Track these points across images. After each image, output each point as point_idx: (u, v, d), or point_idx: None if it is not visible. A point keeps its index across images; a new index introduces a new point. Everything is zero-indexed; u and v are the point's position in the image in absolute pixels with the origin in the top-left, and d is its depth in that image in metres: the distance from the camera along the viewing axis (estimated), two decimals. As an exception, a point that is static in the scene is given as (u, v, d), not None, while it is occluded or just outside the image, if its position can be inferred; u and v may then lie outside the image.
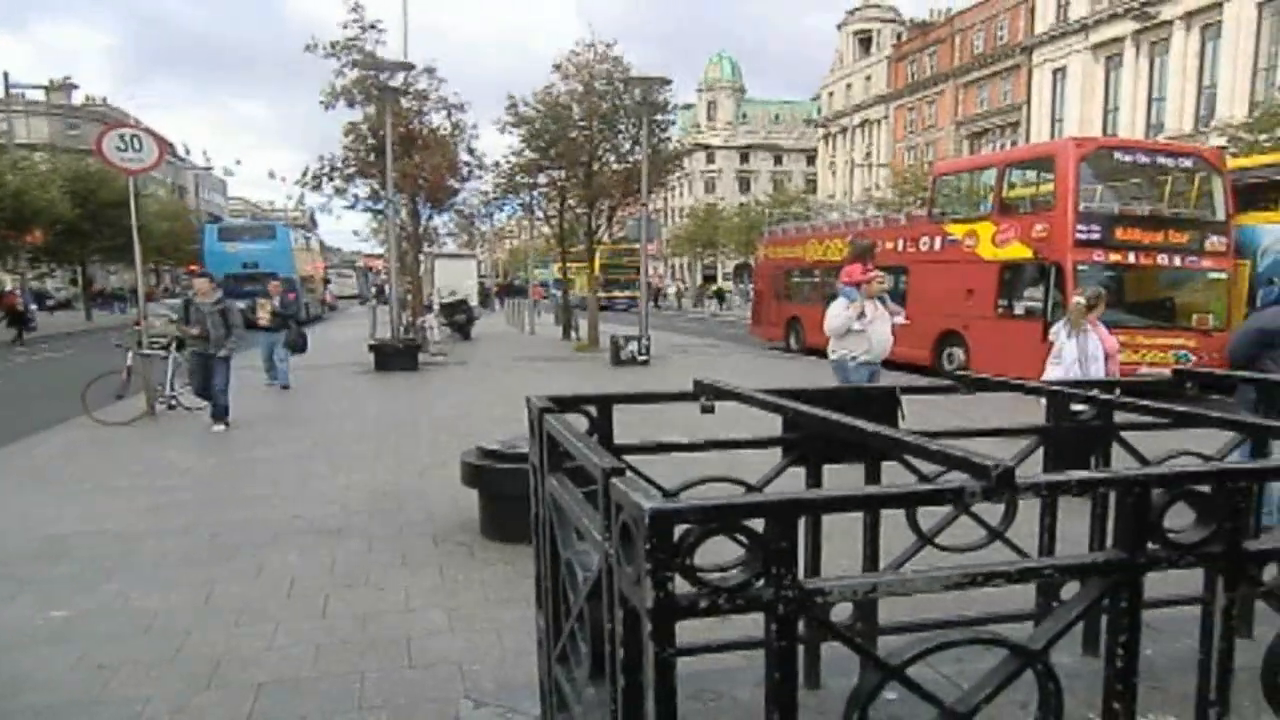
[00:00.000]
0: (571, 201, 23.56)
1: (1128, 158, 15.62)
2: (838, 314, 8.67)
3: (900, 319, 9.11)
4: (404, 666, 3.99)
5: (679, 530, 1.55)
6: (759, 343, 23.65)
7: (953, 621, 3.34)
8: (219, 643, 4.23)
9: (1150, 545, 1.65)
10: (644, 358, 18.04)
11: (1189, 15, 36.95)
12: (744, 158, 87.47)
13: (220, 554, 5.62)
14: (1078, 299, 7.91)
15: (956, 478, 1.63)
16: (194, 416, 11.27)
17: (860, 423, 1.99)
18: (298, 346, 15.32)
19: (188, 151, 61.61)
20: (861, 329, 8.54)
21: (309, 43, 20.30)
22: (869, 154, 62.08)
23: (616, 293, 46.81)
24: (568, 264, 26.92)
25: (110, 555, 5.60)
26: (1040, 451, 3.49)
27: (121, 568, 5.36)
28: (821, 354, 19.41)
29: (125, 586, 5.02)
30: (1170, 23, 37.59)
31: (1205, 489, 1.68)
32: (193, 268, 63.42)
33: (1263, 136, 24.47)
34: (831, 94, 69.02)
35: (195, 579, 5.12)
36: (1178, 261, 13.76)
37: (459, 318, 26.09)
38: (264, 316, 14.87)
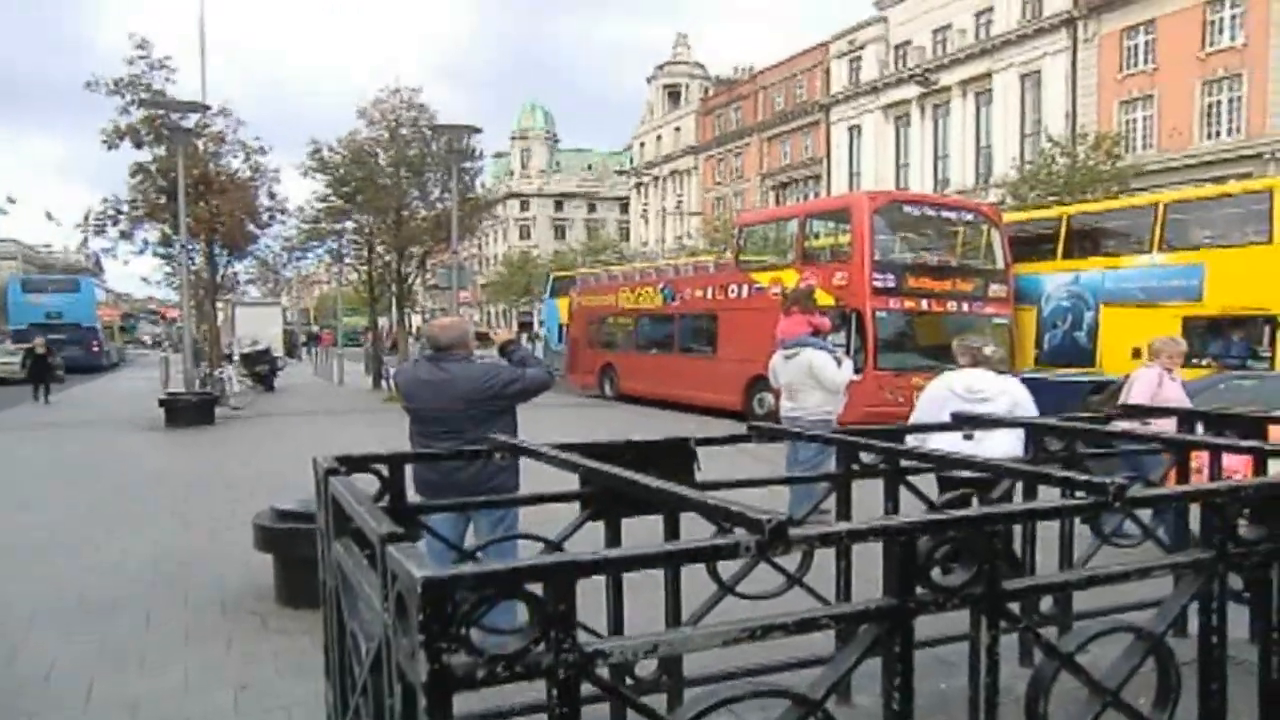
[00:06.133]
0: (380, 249, 23.01)
1: (916, 211, 16.78)
2: (837, 367, 7.77)
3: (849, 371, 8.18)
4: (179, 755, 3.65)
5: (458, 597, 1.49)
6: (574, 390, 23.72)
7: (762, 669, 3.38)
8: (-43, 744, 3.74)
9: (919, 590, 1.71)
10: (457, 408, 17.67)
11: (964, 83, 40.54)
12: (559, 205, 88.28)
13: (-34, 640, 5.00)
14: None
15: (739, 531, 1.64)
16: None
17: (645, 479, 1.99)
18: None
19: None
20: (856, 380, 7.85)
21: (89, 80, 19.11)
22: (680, 203, 63.97)
23: None
24: None
25: None
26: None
27: None
28: (635, 401, 19.90)
29: None
30: (949, 89, 41.08)
31: (966, 534, 1.77)
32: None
33: (1031, 194, 26.96)
34: (643, 144, 70.90)
35: (-67, 671, 4.52)
36: (965, 307, 14.80)
37: (261, 368, 24.82)
38: None
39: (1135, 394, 6.78)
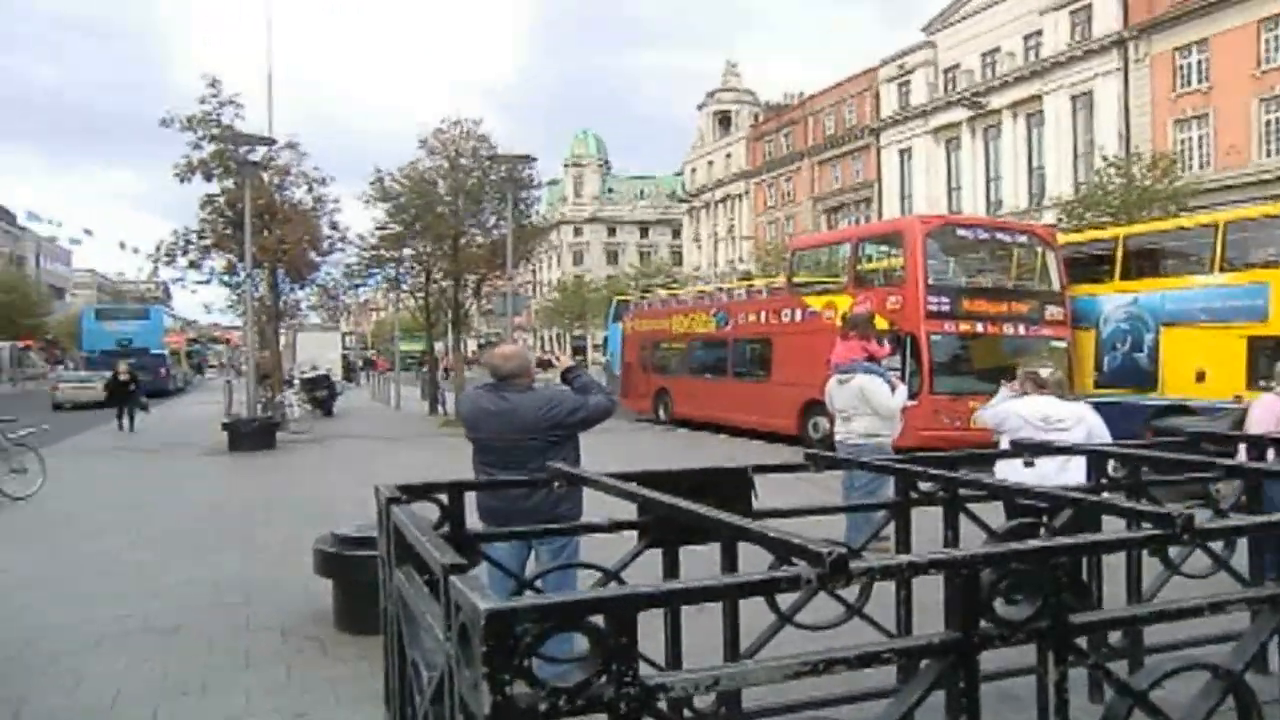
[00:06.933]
0: (437, 275, 23.38)
1: (969, 234, 16.58)
2: (890, 392, 7.78)
3: (902, 396, 8.19)
4: (242, 779, 3.70)
5: (519, 630, 1.49)
6: (629, 414, 23.73)
7: (819, 701, 3.34)
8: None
9: (982, 624, 1.68)
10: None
11: (1014, 105, 40.18)
12: (611, 231, 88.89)
13: (35, 664, 5.12)
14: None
15: (799, 563, 1.63)
16: (16, 507, 10.44)
17: (703, 509, 1.99)
18: None
19: (42, 220, 58.67)
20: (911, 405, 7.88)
21: (164, 117, 19.82)
22: (732, 227, 64.06)
23: None
24: None
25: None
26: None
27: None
28: (690, 425, 19.85)
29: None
30: (999, 111, 40.70)
31: (1030, 566, 1.73)
32: (28, 341, 59.53)
33: (1088, 215, 26.51)
34: (694, 170, 71.21)
35: (1, 696, 4.64)
36: (1021, 330, 14.55)
37: (320, 393, 25.26)
38: None
39: (1254, 422, 6.42)
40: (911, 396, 10.33)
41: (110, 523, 9.60)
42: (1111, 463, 3.88)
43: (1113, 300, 14.22)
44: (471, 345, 46.40)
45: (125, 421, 21.02)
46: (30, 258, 73.95)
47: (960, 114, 42.32)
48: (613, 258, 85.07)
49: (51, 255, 79.48)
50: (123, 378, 21.94)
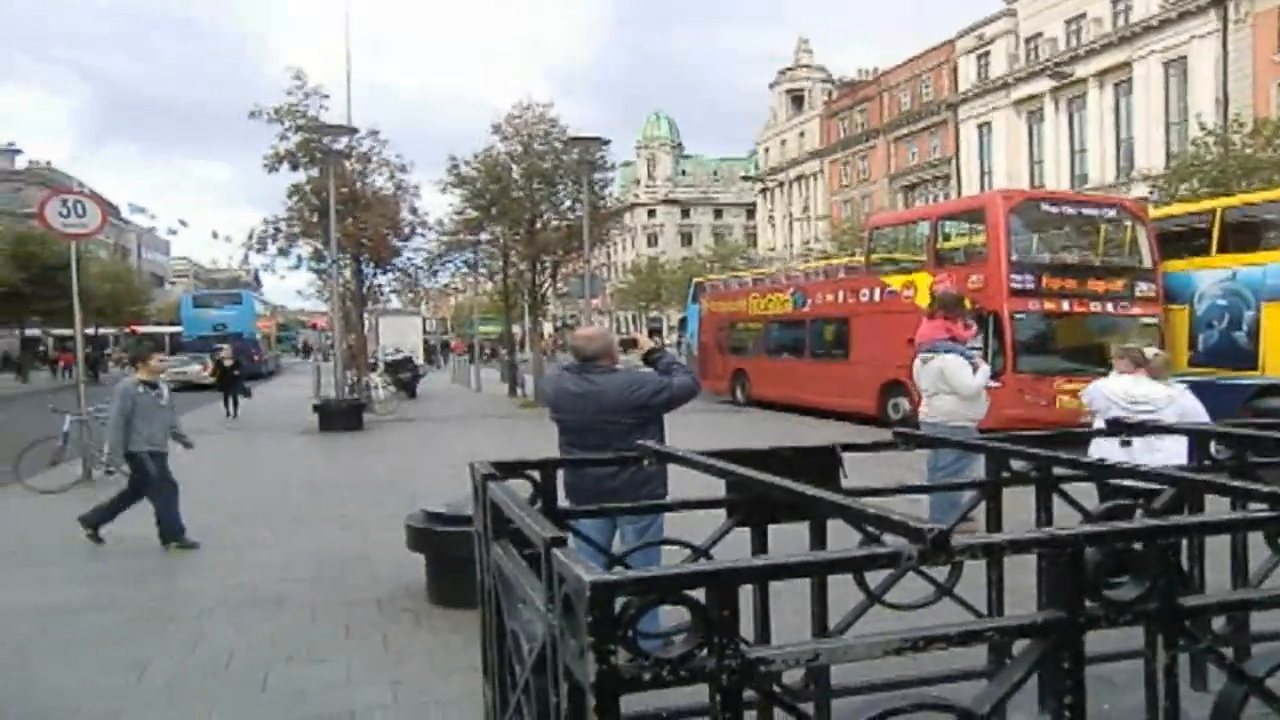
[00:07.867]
0: (514, 258, 23.66)
1: (1054, 209, 16.11)
2: (972, 373, 7.60)
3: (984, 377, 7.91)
4: (346, 744, 3.86)
5: (620, 602, 1.53)
6: (706, 396, 23.71)
7: (905, 681, 3.33)
8: (150, 726, 4.05)
9: (1088, 603, 1.66)
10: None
11: (1101, 74, 38.59)
12: (685, 212, 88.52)
13: (156, 628, 5.42)
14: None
15: (895, 540, 1.64)
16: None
17: (797, 485, 2.00)
18: None
19: (143, 211, 61.44)
20: (994, 386, 7.80)
21: (253, 109, 20.49)
22: (806, 207, 63.20)
23: None
24: None
25: (33, 632, 5.36)
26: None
27: (45, 646, 5.14)
28: (767, 406, 19.75)
29: (48, 667, 4.80)
30: (1085, 80, 39.18)
31: (1139, 546, 1.70)
32: (133, 328, 62.23)
33: (1182, 186, 25.42)
34: (767, 150, 70.37)
35: (127, 656, 4.91)
36: (1110, 308, 14.10)
37: (404, 375, 25.86)
38: None
39: None
40: (994, 376, 10.11)
41: (214, 499, 9.98)
42: (1213, 444, 3.76)
43: (1209, 276, 13.66)
44: (548, 328, 46.87)
45: (230, 407, 20.78)
46: (133, 248, 77.09)
47: (1043, 85, 40.91)
48: (687, 239, 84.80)
49: (151, 245, 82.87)
50: (228, 362, 21.76)
